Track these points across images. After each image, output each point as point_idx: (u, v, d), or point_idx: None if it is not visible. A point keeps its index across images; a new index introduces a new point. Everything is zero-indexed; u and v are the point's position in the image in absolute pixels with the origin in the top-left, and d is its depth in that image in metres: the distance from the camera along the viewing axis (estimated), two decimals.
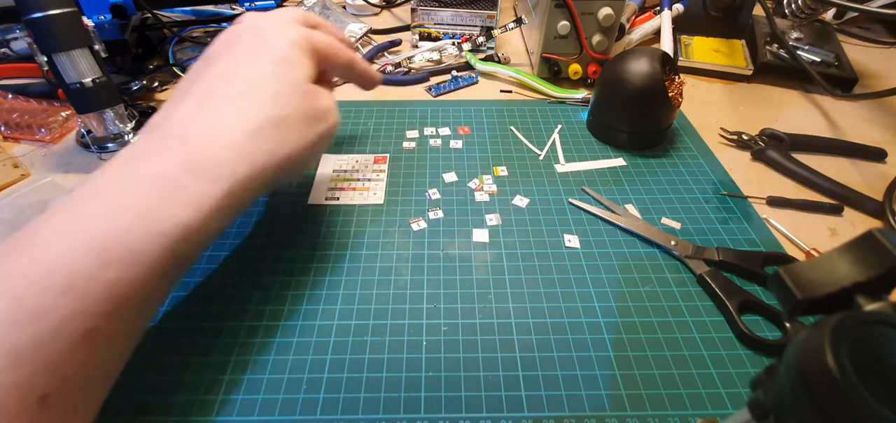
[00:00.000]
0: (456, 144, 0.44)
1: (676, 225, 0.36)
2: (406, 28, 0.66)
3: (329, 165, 0.41)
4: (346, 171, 0.41)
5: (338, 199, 0.38)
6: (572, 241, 0.35)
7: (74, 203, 0.22)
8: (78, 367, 0.20)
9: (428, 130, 0.46)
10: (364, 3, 0.71)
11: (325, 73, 0.32)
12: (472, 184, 0.40)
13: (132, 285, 0.21)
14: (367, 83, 0.36)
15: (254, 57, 0.27)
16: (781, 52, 0.55)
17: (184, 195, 0.23)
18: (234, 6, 0.63)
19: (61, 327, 0.19)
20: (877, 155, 0.44)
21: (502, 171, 0.41)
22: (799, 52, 0.55)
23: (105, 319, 0.20)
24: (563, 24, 0.50)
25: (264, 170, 0.26)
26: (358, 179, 0.40)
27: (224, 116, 0.25)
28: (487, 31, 0.58)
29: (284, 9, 0.32)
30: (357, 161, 0.42)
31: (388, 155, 0.43)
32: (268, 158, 0.26)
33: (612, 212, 0.37)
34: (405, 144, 0.44)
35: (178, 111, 0.25)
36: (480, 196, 0.38)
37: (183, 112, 0.25)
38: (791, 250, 0.35)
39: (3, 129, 0.45)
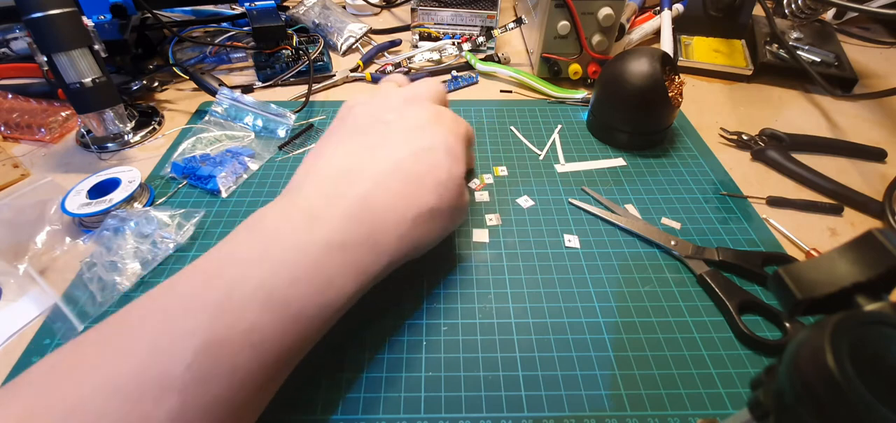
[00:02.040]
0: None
1: (676, 225, 0.36)
2: (406, 28, 0.66)
3: None
4: None
5: None
6: (572, 241, 0.35)
7: (273, 265, 0.22)
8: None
9: None
10: (364, 3, 0.71)
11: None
12: (473, 184, 0.40)
13: (302, 344, 0.23)
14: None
15: (432, 147, 0.28)
16: (781, 52, 0.55)
17: (356, 269, 0.24)
18: (234, 6, 0.63)
19: (246, 380, 0.20)
20: (877, 155, 0.44)
21: (502, 170, 0.41)
22: (799, 52, 0.55)
23: (274, 380, 0.22)
24: (563, 24, 0.50)
25: (411, 251, 0.27)
26: None
27: (396, 201, 0.26)
28: (487, 31, 0.58)
29: (433, 85, 0.34)
30: None
31: None
32: (418, 241, 0.27)
33: (612, 212, 0.37)
34: None
35: (364, 184, 0.26)
36: (480, 196, 0.38)
37: (365, 191, 0.26)
38: (791, 250, 0.35)
39: (3, 129, 0.45)
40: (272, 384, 0.22)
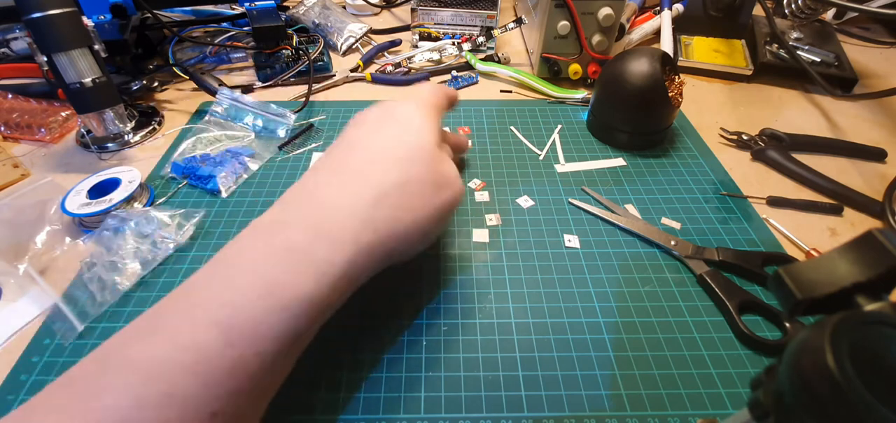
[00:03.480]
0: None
1: (676, 225, 0.36)
2: (406, 28, 0.66)
3: None
4: None
5: None
6: (572, 241, 0.35)
7: (203, 279, 0.22)
8: None
9: None
10: (364, 3, 0.71)
11: (450, 147, 0.32)
12: (473, 184, 0.40)
13: (256, 364, 0.20)
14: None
15: (380, 126, 0.28)
16: (781, 52, 0.55)
17: (309, 265, 0.22)
18: (234, 6, 0.63)
19: (186, 412, 0.18)
20: (877, 155, 0.44)
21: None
22: (799, 52, 0.55)
23: (228, 400, 0.19)
24: (563, 24, 0.50)
25: (388, 237, 0.25)
26: None
27: (350, 185, 0.25)
28: (487, 31, 0.58)
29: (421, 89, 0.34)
30: None
31: None
32: (392, 225, 0.25)
33: (612, 212, 0.37)
34: None
35: (308, 183, 0.26)
36: (480, 196, 0.38)
37: (312, 184, 0.26)
38: (791, 250, 0.35)
39: (3, 129, 0.45)
40: (230, 408, 0.20)
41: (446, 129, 0.32)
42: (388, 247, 0.25)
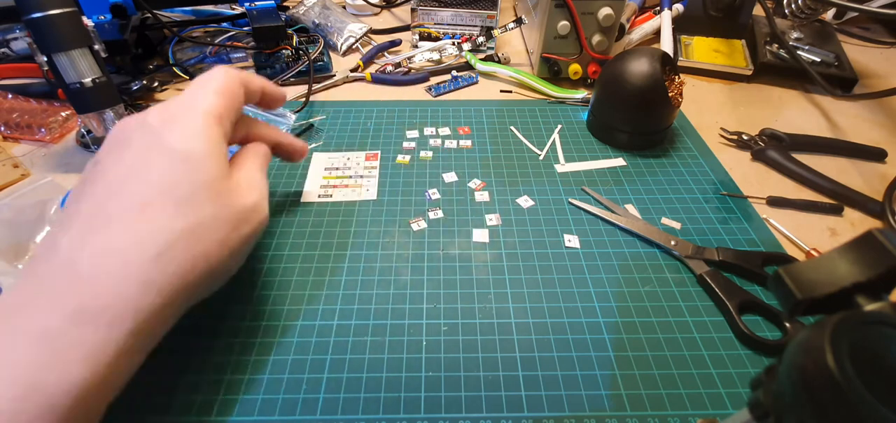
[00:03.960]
0: (455, 143, 0.44)
1: (676, 225, 0.36)
2: (406, 28, 0.66)
3: (320, 163, 0.42)
4: (337, 169, 0.41)
5: (331, 196, 0.38)
6: (572, 241, 0.35)
7: None
8: None
9: (428, 130, 0.46)
10: (364, 3, 0.71)
11: (246, 134, 0.28)
12: (473, 184, 0.40)
13: None
14: (295, 154, 0.32)
15: (149, 156, 0.22)
16: (781, 52, 0.55)
17: (75, 351, 0.18)
18: (234, 6, 0.63)
19: None
20: (877, 155, 0.44)
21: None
22: (799, 52, 0.55)
23: None
24: (563, 24, 0.50)
25: (179, 294, 0.21)
26: (350, 177, 0.40)
27: (118, 240, 0.20)
28: (487, 31, 0.58)
29: (191, 87, 0.26)
30: (348, 159, 0.42)
31: (378, 152, 0.43)
32: (182, 280, 0.21)
33: (612, 212, 0.37)
34: (405, 144, 0.44)
35: (63, 242, 0.21)
36: (480, 196, 0.38)
37: (68, 242, 0.20)
38: (791, 250, 0.35)
39: (3, 129, 0.45)
40: None
41: (236, 77, 0.27)
42: (182, 300, 0.22)
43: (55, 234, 0.22)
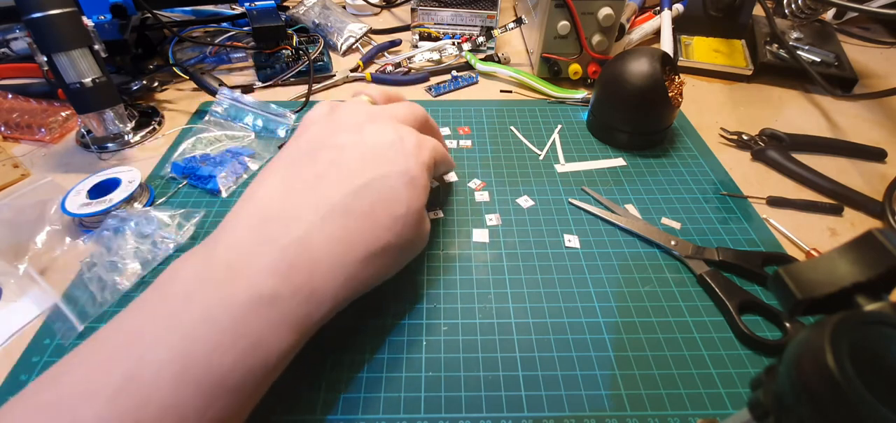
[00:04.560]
0: (455, 143, 0.44)
1: (676, 225, 0.36)
2: (406, 28, 0.66)
3: None
4: None
5: None
6: (572, 241, 0.35)
7: (188, 329, 0.19)
8: None
9: None
10: (364, 3, 0.71)
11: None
12: (472, 184, 0.40)
13: (231, 414, 0.20)
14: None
15: (387, 170, 0.26)
16: (781, 52, 0.55)
17: (291, 322, 0.21)
18: (234, 6, 0.63)
19: None
20: (877, 155, 0.44)
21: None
22: (799, 52, 0.55)
23: None
24: (563, 24, 0.50)
25: (360, 291, 0.25)
26: None
27: (343, 241, 0.23)
28: (487, 31, 0.58)
29: (406, 108, 0.31)
30: None
31: None
32: (367, 285, 0.25)
33: (612, 212, 0.37)
34: None
35: (300, 226, 0.23)
36: (480, 196, 0.38)
37: (311, 230, 0.23)
38: (791, 250, 0.35)
39: (3, 129, 0.45)
40: None
41: (440, 145, 0.32)
42: (359, 294, 0.25)
43: (283, 198, 0.24)
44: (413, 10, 0.59)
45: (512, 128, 0.47)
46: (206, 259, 0.22)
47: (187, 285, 0.21)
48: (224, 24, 0.61)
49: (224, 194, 0.38)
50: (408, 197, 0.26)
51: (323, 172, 0.25)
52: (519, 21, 0.58)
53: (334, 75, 0.55)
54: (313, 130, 0.28)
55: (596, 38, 0.50)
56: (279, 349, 0.21)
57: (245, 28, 0.60)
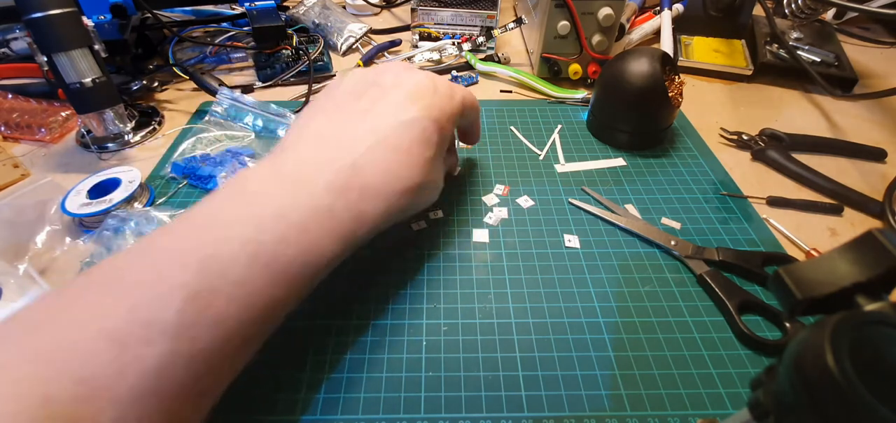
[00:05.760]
0: (455, 143, 0.44)
1: (676, 225, 0.36)
2: (406, 28, 0.66)
3: None
4: None
5: None
6: (572, 241, 0.35)
7: (260, 221, 0.23)
8: (231, 367, 0.22)
9: None
10: (364, 3, 0.71)
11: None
12: (487, 189, 0.40)
13: (287, 301, 0.23)
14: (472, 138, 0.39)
15: (423, 114, 0.28)
16: (781, 52, 0.55)
17: (340, 234, 0.25)
18: (234, 6, 0.63)
19: (232, 333, 0.21)
20: (877, 155, 0.44)
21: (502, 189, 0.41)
22: (799, 52, 0.55)
23: (258, 335, 0.22)
24: (563, 24, 0.50)
25: (389, 223, 0.27)
26: None
27: (387, 173, 0.26)
28: (487, 31, 0.58)
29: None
30: None
31: None
32: (396, 218, 0.28)
33: (612, 212, 0.37)
34: None
35: (352, 153, 0.26)
36: (489, 199, 0.38)
37: (362, 158, 0.26)
38: (791, 250, 0.35)
39: (3, 129, 0.45)
40: (256, 340, 0.22)
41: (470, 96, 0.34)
42: (386, 226, 0.27)
43: (342, 123, 0.28)
44: (413, 10, 0.59)
45: (512, 128, 0.47)
46: (276, 170, 0.26)
47: (261, 186, 0.25)
48: (224, 24, 0.61)
49: None
50: (437, 141, 0.29)
51: (367, 108, 0.28)
52: (519, 21, 0.58)
53: (334, 75, 0.55)
54: (355, 75, 0.31)
55: (596, 38, 0.50)
56: (330, 254, 0.24)
57: (245, 28, 0.60)
